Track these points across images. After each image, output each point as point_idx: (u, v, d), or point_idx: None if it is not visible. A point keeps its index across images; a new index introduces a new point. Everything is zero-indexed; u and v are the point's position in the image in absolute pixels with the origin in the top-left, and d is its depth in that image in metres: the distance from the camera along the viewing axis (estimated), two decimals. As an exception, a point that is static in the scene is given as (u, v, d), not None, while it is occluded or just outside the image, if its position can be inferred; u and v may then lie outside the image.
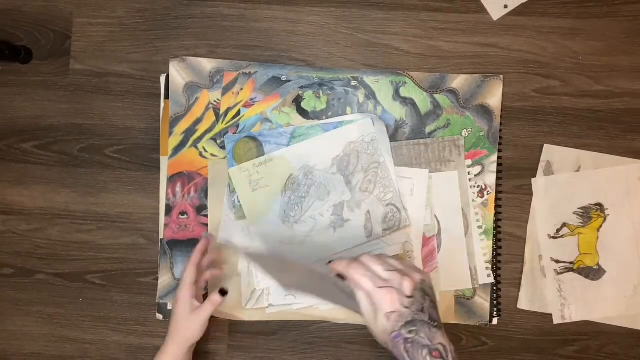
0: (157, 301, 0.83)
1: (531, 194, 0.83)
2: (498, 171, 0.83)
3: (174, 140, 0.83)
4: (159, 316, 0.83)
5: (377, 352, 0.83)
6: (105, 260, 0.84)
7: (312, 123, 0.82)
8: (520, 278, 0.83)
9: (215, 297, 0.73)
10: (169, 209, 0.83)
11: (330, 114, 0.83)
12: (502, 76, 0.83)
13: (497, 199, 0.83)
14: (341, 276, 0.59)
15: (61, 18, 0.85)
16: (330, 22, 0.84)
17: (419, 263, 0.82)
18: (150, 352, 0.84)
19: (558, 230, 0.83)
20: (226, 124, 0.83)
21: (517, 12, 0.83)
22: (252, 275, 0.82)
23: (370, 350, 0.83)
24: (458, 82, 0.83)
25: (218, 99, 0.83)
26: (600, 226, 0.82)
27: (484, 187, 0.82)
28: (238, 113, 0.83)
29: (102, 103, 0.84)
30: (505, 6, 0.83)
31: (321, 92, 0.83)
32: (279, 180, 0.81)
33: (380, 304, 0.56)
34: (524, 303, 0.83)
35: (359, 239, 0.81)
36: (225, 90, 0.83)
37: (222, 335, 0.83)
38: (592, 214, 0.82)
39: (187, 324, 0.72)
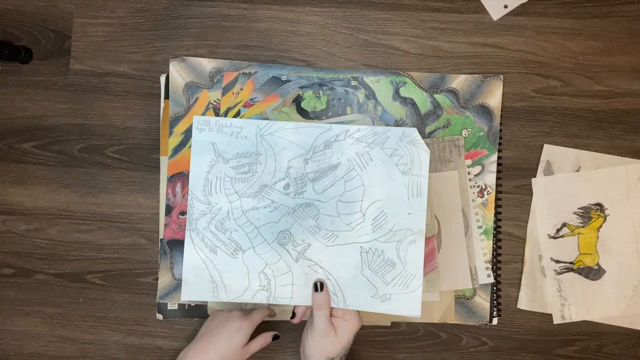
0: (157, 301, 0.83)
1: (531, 194, 0.83)
2: (498, 171, 0.83)
3: (174, 140, 0.83)
4: (159, 316, 0.83)
5: (377, 351, 0.83)
6: (105, 260, 0.84)
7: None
8: (520, 278, 0.83)
9: (268, 338, 0.74)
10: (169, 209, 0.83)
11: (330, 114, 0.83)
12: (502, 76, 0.83)
13: (497, 199, 0.83)
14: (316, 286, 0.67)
15: (61, 18, 0.85)
16: (330, 22, 0.84)
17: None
18: (150, 352, 0.84)
19: (558, 230, 0.83)
20: (226, 124, 0.83)
21: (517, 12, 0.83)
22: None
23: (370, 350, 0.83)
24: (458, 82, 0.83)
25: (218, 99, 0.83)
26: (600, 226, 0.82)
27: (484, 187, 0.82)
28: (238, 113, 0.83)
29: (102, 103, 0.84)
30: (505, 6, 0.83)
31: (321, 92, 0.83)
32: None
33: (344, 332, 0.66)
34: (524, 303, 0.83)
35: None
36: (225, 90, 0.83)
37: (222, 335, 0.83)
38: (592, 214, 0.82)
39: (236, 354, 0.71)
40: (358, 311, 0.67)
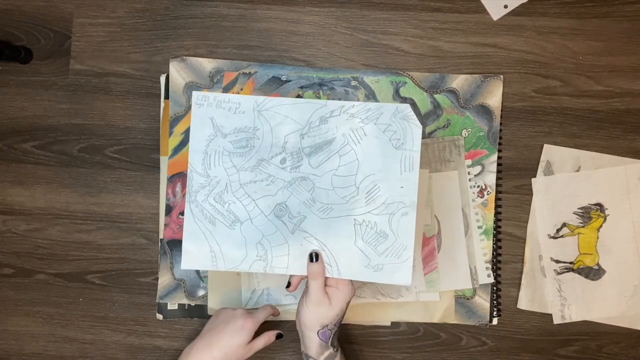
0: (157, 301, 0.83)
1: (531, 194, 0.83)
2: (498, 171, 0.83)
3: (174, 140, 0.83)
4: (159, 316, 0.83)
5: (377, 351, 0.83)
6: (105, 260, 0.84)
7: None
8: (520, 278, 0.83)
9: (272, 337, 0.74)
10: (169, 209, 0.83)
11: (330, 114, 0.83)
12: (502, 76, 0.83)
13: (497, 199, 0.83)
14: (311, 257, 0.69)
15: (61, 18, 0.85)
16: (330, 22, 0.84)
17: (418, 263, 0.82)
18: (150, 352, 0.84)
19: (558, 230, 0.83)
20: (226, 124, 0.83)
21: (517, 12, 0.83)
22: (252, 275, 0.82)
23: (370, 350, 0.83)
24: (458, 82, 0.83)
25: (218, 99, 0.83)
26: (600, 226, 0.82)
27: (484, 187, 0.82)
28: (238, 113, 0.83)
29: (102, 103, 0.84)
30: (505, 6, 0.83)
31: (321, 92, 0.83)
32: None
33: (338, 301, 0.68)
34: (524, 303, 0.83)
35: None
36: (225, 90, 0.83)
37: (222, 335, 0.83)
38: (592, 214, 0.82)
39: (240, 351, 0.71)
40: (351, 281, 0.69)
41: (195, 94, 0.69)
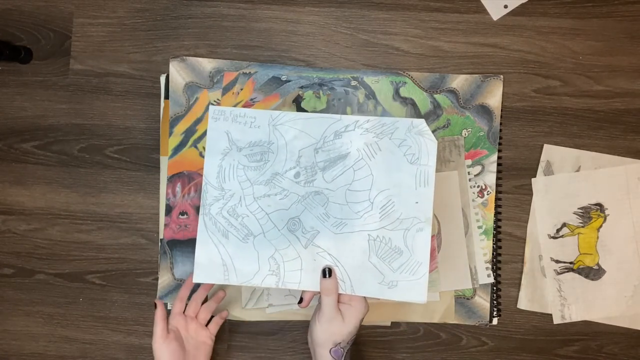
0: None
1: (531, 194, 0.83)
2: (498, 171, 0.83)
3: (174, 140, 0.83)
4: (159, 316, 0.83)
5: (377, 351, 0.83)
6: (105, 260, 0.84)
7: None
8: (520, 278, 0.83)
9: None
10: (169, 209, 0.83)
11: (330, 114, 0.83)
12: (502, 76, 0.83)
13: (497, 199, 0.83)
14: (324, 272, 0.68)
15: (61, 18, 0.85)
16: (330, 22, 0.84)
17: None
18: (150, 352, 0.83)
19: (558, 230, 0.83)
20: (226, 124, 0.83)
21: (517, 12, 0.83)
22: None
23: (370, 350, 0.83)
24: (458, 82, 0.83)
25: (218, 99, 0.83)
26: (600, 226, 0.82)
27: (484, 187, 0.82)
28: (238, 113, 0.83)
29: (102, 103, 0.84)
30: (505, 6, 0.83)
31: (321, 92, 0.83)
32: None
33: (351, 318, 0.67)
34: (524, 303, 0.83)
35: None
36: (225, 90, 0.83)
37: (222, 335, 0.83)
38: (592, 214, 0.82)
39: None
40: (365, 297, 0.68)
41: (212, 108, 0.69)
